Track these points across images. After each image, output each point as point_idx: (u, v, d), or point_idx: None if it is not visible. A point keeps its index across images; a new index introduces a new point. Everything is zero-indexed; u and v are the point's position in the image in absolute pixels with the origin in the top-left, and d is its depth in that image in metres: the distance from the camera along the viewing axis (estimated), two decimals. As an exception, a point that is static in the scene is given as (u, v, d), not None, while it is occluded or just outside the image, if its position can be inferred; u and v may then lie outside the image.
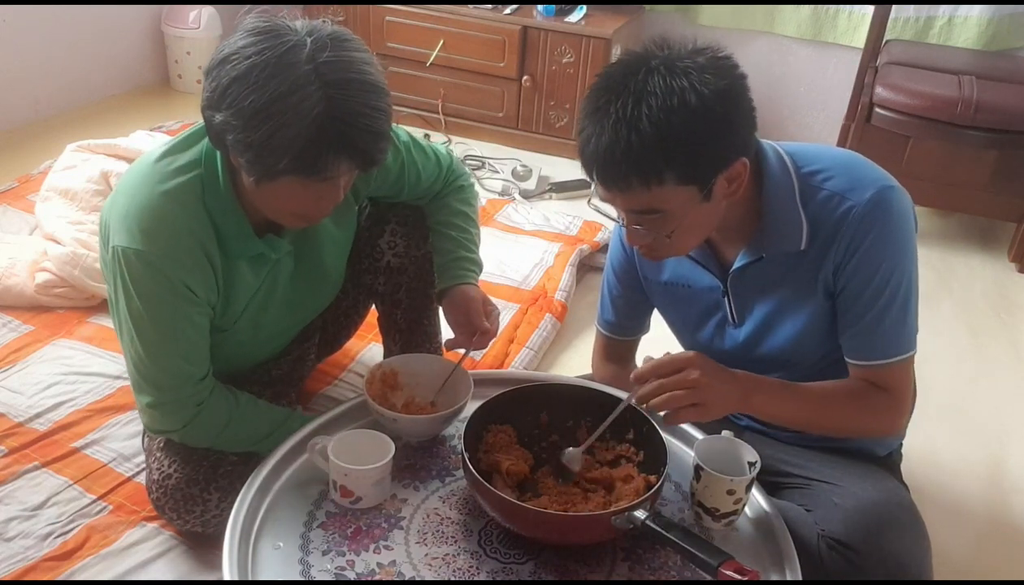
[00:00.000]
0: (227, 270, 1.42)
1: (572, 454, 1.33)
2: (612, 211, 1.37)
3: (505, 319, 2.30)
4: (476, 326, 1.56)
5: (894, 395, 1.35)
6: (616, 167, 1.20)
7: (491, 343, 1.69)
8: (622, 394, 1.47)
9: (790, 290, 1.38)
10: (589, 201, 1.35)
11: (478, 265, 1.68)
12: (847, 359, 1.37)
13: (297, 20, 1.25)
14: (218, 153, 1.34)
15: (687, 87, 1.16)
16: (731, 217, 1.32)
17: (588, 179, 1.28)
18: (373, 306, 1.83)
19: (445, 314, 1.63)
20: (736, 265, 1.39)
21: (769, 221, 1.33)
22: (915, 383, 1.46)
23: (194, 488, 1.47)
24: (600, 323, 1.67)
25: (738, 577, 1.09)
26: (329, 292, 1.66)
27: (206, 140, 1.34)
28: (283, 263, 1.51)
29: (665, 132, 1.16)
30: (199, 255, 1.36)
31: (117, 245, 1.33)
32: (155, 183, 1.34)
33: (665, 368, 1.26)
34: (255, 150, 1.22)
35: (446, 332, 1.96)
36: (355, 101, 1.21)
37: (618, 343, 1.67)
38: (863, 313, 1.32)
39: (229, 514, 1.27)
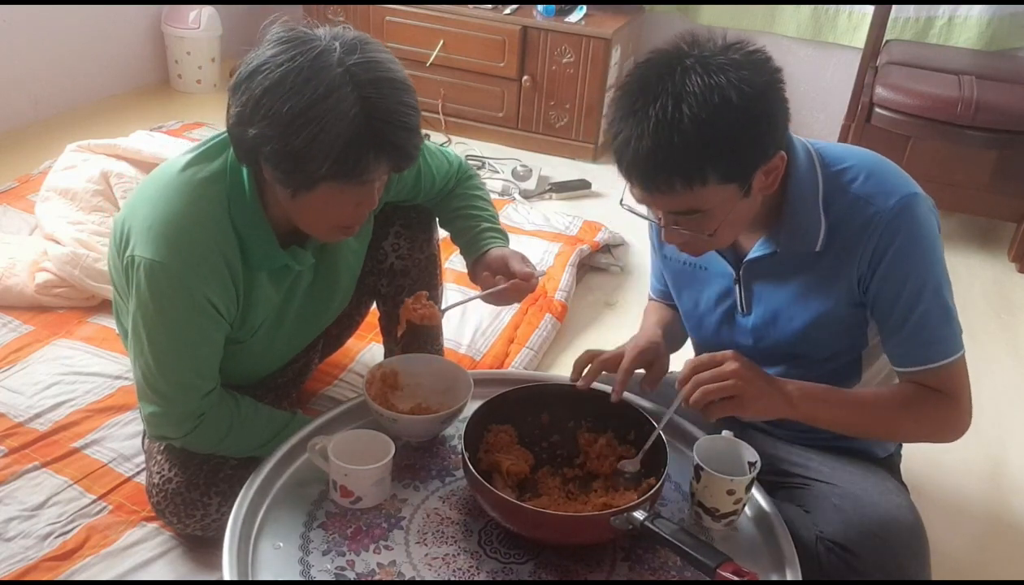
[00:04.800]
0: (248, 284, 1.41)
1: (627, 465, 1.34)
2: (644, 210, 1.33)
3: (505, 319, 2.30)
4: (516, 273, 1.52)
5: (951, 397, 1.32)
6: (659, 171, 1.18)
7: (534, 289, 1.57)
8: (623, 395, 1.47)
9: (800, 287, 1.37)
10: (621, 202, 1.32)
11: (504, 235, 1.67)
12: (896, 368, 1.35)
13: (318, 28, 1.26)
14: None
15: (726, 84, 1.14)
16: None
17: (626, 181, 1.24)
18: (374, 305, 1.83)
19: (478, 278, 1.58)
20: (750, 256, 1.38)
21: (788, 218, 1.32)
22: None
23: (194, 493, 1.47)
24: (653, 292, 1.68)
25: (735, 578, 1.09)
26: (339, 305, 1.66)
27: (231, 150, 1.33)
28: (303, 275, 1.50)
29: (708, 132, 1.15)
30: (222, 270, 1.35)
31: (140, 255, 1.31)
32: (180, 194, 1.33)
33: (703, 365, 1.26)
34: (295, 158, 1.22)
35: (448, 331, 1.95)
36: (389, 100, 1.23)
37: (671, 308, 1.65)
38: (902, 323, 1.30)
39: (229, 518, 1.27)
